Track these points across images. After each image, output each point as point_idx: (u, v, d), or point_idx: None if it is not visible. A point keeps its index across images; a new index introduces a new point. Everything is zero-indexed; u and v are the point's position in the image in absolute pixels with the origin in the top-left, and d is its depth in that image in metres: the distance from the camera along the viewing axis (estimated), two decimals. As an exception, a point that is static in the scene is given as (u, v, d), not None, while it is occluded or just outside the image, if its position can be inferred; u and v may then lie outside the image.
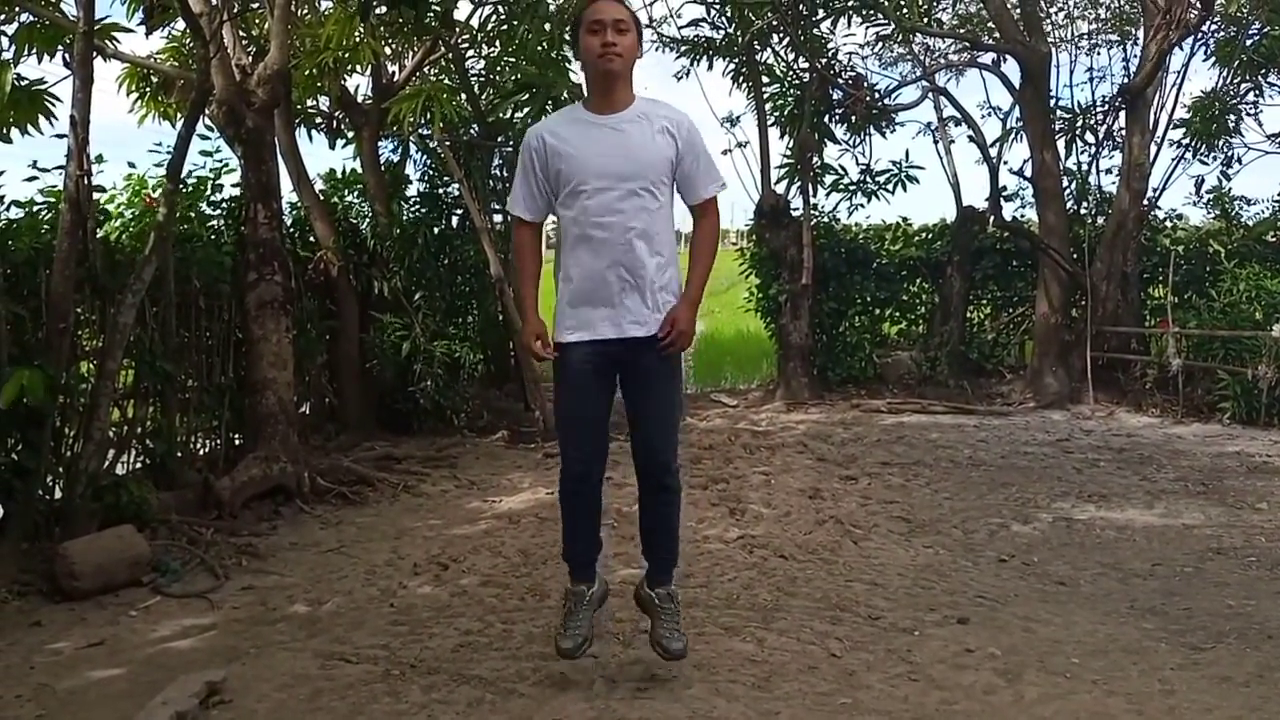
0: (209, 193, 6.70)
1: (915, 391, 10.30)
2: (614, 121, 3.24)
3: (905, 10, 10.83)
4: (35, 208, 5.47)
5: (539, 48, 7.49)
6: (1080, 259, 10.17)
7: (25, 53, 5.64)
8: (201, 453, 6.47)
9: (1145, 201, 10.29)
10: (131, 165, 6.40)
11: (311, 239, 7.87)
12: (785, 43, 10.45)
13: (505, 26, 8.22)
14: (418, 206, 9.19)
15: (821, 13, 10.14)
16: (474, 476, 6.84)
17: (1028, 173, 10.61)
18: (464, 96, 8.41)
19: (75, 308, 5.15)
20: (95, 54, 5.36)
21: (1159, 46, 9.60)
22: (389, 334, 7.93)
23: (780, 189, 10.59)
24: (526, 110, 7.83)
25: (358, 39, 7.32)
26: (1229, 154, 10.89)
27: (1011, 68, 10.56)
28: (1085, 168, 11.05)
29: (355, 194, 8.78)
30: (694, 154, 3.29)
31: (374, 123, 8.36)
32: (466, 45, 8.73)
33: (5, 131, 5.50)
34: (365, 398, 8.13)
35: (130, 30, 6.18)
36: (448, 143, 8.44)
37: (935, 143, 12.08)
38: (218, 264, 6.30)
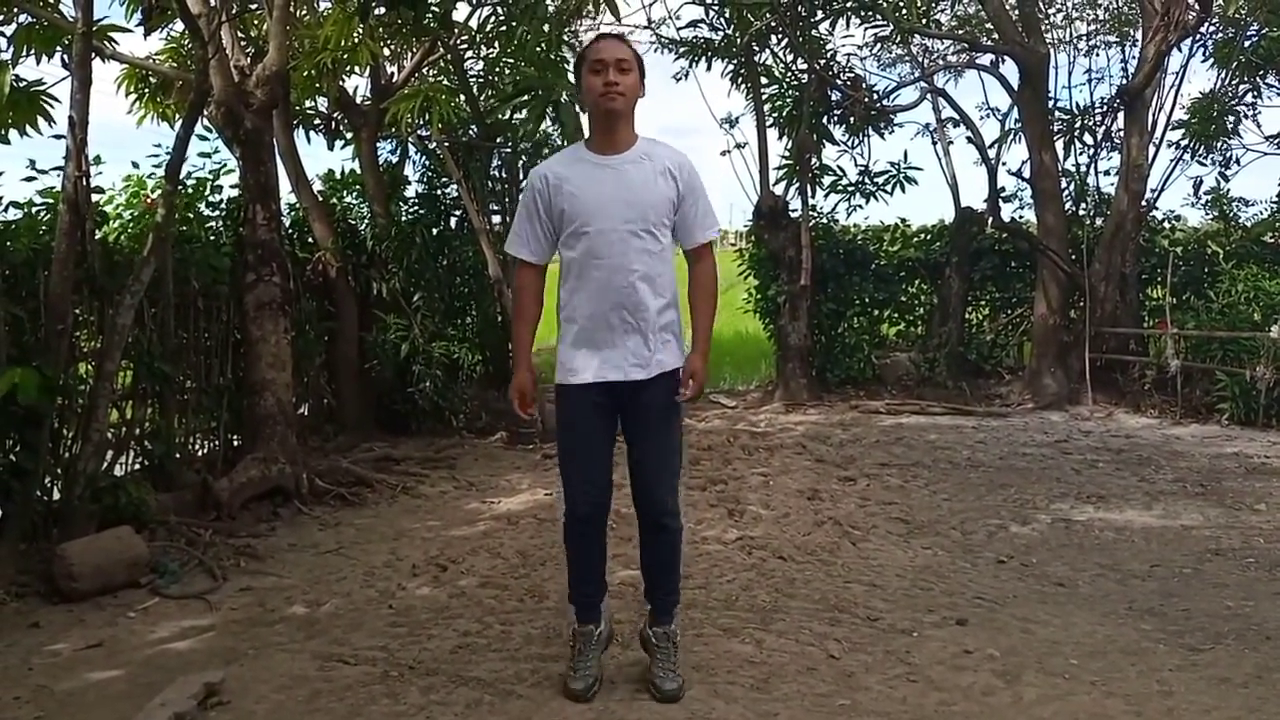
0: (207, 194, 6.69)
1: (914, 393, 10.30)
2: (616, 162, 3.24)
3: (904, 11, 10.84)
4: (34, 209, 5.46)
5: (538, 49, 7.49)
6: (1079, 260, 10.18)
7: (24, 53, 5.64)
8: (200, 454, 6.47)
9: (1144, 203, 10.31)
10: (135, 165, 6.40)
11: (310, 240, 7.87)
12: (784, 44, 10.45)
13: (504, 28, 8.23)
14: (416, 207, 9.19)
15: (820, 14, 10.14)
16: (472, 478, 6.84)
17: (1026, 174, 10.63)
18: (463, 97, 8.41)
19: (74, 309, 5.15)
20: (94, 55, 5.36)
21: (1157, 48, 9.61)
22: (388, 335, 7.93)
23: (779, 190, 10.60)
24: (526, 112, 7.83)
25: (356, 40, 7.32)
26: (1227, 155, 10.92)
27: (1010, 69, 10.58)
28: (1084, 169, 11.07)
29: (354, 195, 8.78)
30: (693, 197, 3.29)
31: (372, 124, 8.36)
32: (465, 46, 8.73)
33: (4, 132, 5.50)
34: (364, 399, 8.13)
35: (129, 31, 6.19)
36: (446, 144, 8.44)
37: (934, 144, 12.11)
38: (216, 265, 6.30)
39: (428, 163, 9.37)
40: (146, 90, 7.64)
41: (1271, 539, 5.22)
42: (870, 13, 10.22)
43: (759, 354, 12.43)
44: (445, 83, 8.58)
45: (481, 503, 6.15)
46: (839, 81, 10.41)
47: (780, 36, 10.31)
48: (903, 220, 11.65)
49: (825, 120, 10.52)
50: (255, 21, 7.55)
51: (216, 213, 6.78)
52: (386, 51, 8.61)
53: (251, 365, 6.20)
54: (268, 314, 6.19)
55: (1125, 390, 9.76)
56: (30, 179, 5.46)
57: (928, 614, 4.11)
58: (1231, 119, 10.60)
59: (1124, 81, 10.64)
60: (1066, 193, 10.62)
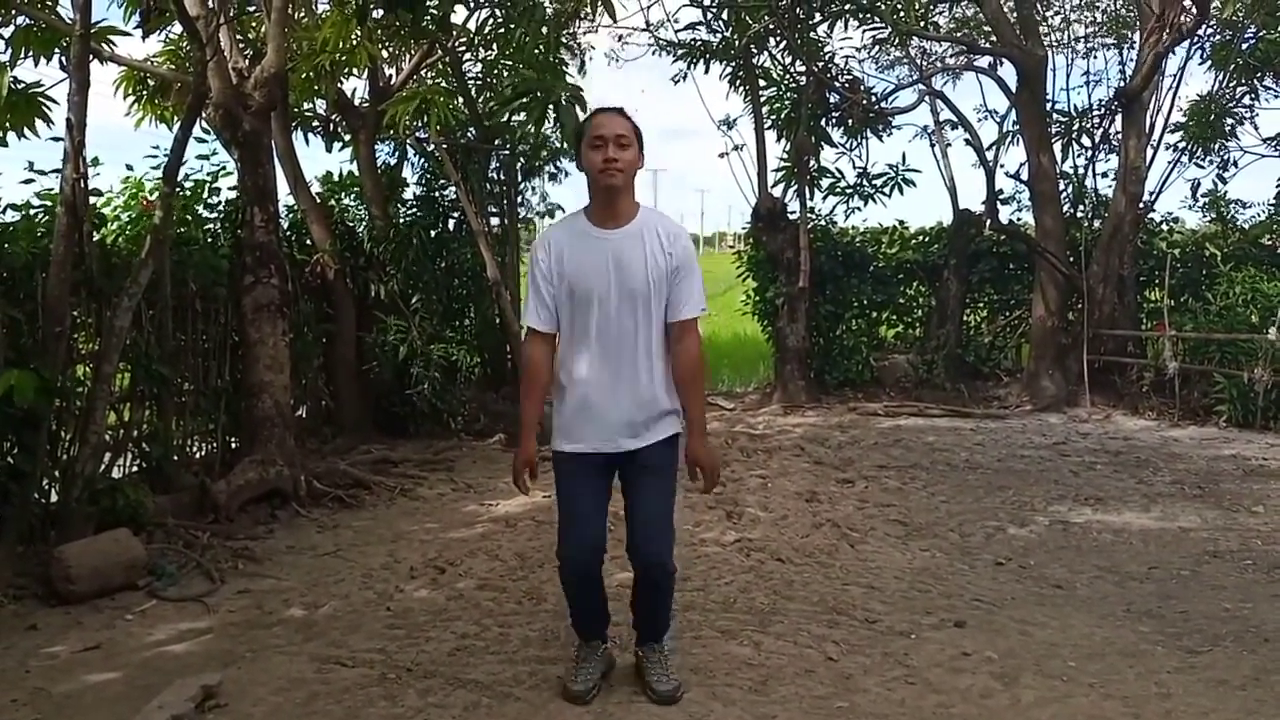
0: (206, 196, 6.69)
1: (912, 394, 10.31)
2: (614, 236, 3.27)
3: (902, 14, 10.86)
4: (32, 211, 5.46)
5: (536, 51, 7.49)
6: (1077, 262, 10.19)
7: (22, 55, 5.64)
8: (198, 456, 6.47)
9: (1141, 205, 10.32)
10: (129, 168, 6.40)
11: (308, 242, 7.87)
12: (782, 46, 10.46)
13: (502, 30, 8.22)
14: (414, 209, 9.18)
15: (818, 16, 10.15)
16: (471, 480, 6.83)
17: (1024, 176, 10.65)
18: (461, 100, 8.41)
19: (71, 311, 5.15)
20: (92, 57, 5.36)
21: (1155, 50, 9.63)
22: (386, 337, 7.92)
23: (777, 192, 10.60)
24: (526, 115, 7.83)
25: (354, 42, 7.32)
26: (1225, 157, 10.94)
27: (1008, 71, 10.60)
28: (1082, 171, 11.09)
29: (352, 197, 8.78)
30: (685, 272, 3.31)
31: (371, 126, 8.36)
32: (463, 49, 8.73)
33: (2, 135, 5.50)
34: (362, 401, 8.12)
35: (127, 33, 6.19)
36: (444, 146, 8.44)
37: (932, 146, 12.12)
38: (214, 267, 6.30)
39: (426, 165, 9.36)
40: (145, 92, 7.62)
41: (1269, 541, 5.23)
42: (868, 15, 10.24)
43: (757, 356, 12.44)
44: (443, 85, 8.57)
45: (480, 505, 6.15)
46: (837, 84, 10.43)
47: (778, 39, 10.32)
48: (901, 222, 11.68)
49: (823, 122, 10.53)
50: (253, 24, 7.54)
51: (214, 215, 6.78)
52: (385, 54, 8.61)
53: (249, 367, 6.20)
54: (266, 316, 6.19)
55: (1123, 392, 9.76)
56: (28, 181, 5.47)
57: (926, 616, 4.11)
58: (1229, 121, 10.62)
59: (1122, 84, 10.66)
60: (1064, 195, 10.63)
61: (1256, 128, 10.85)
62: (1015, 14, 10.41)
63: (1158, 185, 10.84)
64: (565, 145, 9.34)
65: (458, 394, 8.36)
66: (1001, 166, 11.33)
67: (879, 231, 11.56)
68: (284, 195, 7.18)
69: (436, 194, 9.26)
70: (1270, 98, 10.64)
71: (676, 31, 10.79)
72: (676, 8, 16.79)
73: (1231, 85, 10.60)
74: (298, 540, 5.43)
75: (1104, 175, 11.03)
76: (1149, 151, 10.35)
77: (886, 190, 10.77)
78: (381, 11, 6.52)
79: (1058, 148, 10.68)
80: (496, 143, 9.06)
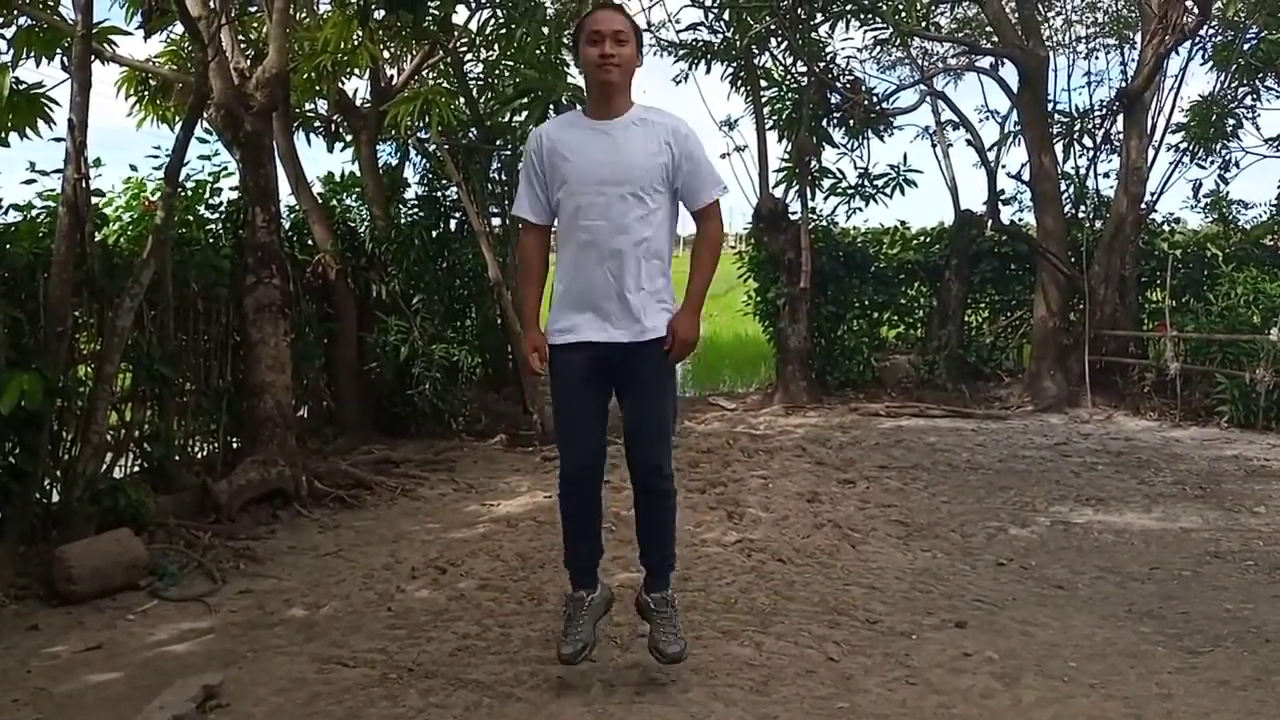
0: (207, 196, 6.69)
1: (913, 395, 10.30)
2: (609, 127, 3.27)
3: (903, 14, 10.85)
4: (34, 211, 5.46)
5: (537, 51, 7.50)
6: (1078, 262, 10.19)
7: (24, 56, 5.64)
8: (199, 456, 6.47)
9: (1143, 205, 10.31)
10: (133, 168, 6.40)
11: (310, 242, 7.87)
12: (783, 47, 10.45)
13: (504, 30, 8.24)
14: (416, 210, 9.19)
15: (819, 16, 10.14)
16: (472, 480, 6.83)
17: (1025, 176, 10.64)
18: (462, 100, 8.41)
19: (73, 311, 5.15)
20: (93, 57, 5.37)
21: (1156, 51, 9.62)
22: (387, 337, 7.93)
23: (778, 192, 10.60)
24: (526, 114, 7.83)
25: (356, 43, 7.33)
26: (1226, 158, 10.92)
27: (1009, 72, 10.58)
28: (1083, 171, 11.08)
29: (353, 197, 8.78)
30: (692, 160, 3.30)
31: (372, 126, 8.36)
32: (465, 49, 8.73)
33: (4, 135, 5.50)
34: (363, 401, 8.12)
35: (128, 33, 6.20)
36: (446, 146, 8.44)
37: (933, 146, 12.12)
38: (216, 267, 6.30)
39: (427, 165, 9.37)
40: (146, 93, 7.64)
41: (1271, 542, 5.22)
42: (870, 15, 10.23)
43: (758, 356, 12.44)
44: (445, 85, 8.58)
45: (481, 505, 6.15)
46: (838, 84, 10.42)
47: (780, 39, 10.31)
48: (902, 223, 11.66)
49: (825, 123, 10.52)
50: (255, 24, 7.55)
51: (216, 215, 6.78)
52: (386, 54, 8.62)
53: (251, 367, 6.20)
54: (267, 316, 6.19)
55: (1125, 393, 9.75)
56: (30, 181, 5.47)
57: (927, 616, 4.11)
58: (1231, 122, 10.60)
59: (1123, 84, 10.65)
60: (1066, 195, 10.62)
61: (1258, 128, 10.84)
62: (1017, 14, 10.40)
63: (1159, 186, 10.84)
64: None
65: (459, 394, 8.37)
66: (1003, 167, 11.35)
67: (880, 232, 11.55)
68: (286, 195, 7.19)
69: (438, 194, 9.26)
70: (1272, 98, 10.64)
71: (678, 32, 10.80)
72: (678, 8, 16.71)
73: (1233, 86, 10.58)
74: (299, 540, 5.43)
75: (1105, 176, 11.03)
76: (1150, 152, 10.34)
77: (888, 191, 10.77)
78: (383, 12, 6.54)
79: (1059, 148, 10.68)
80: (498, 143, 9.06)
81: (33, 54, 5.67)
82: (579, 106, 3.45)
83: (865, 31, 10.74)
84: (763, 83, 10.59)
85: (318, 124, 8.98)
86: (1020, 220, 11.43)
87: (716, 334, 15.02)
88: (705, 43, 10.54)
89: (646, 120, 3.30)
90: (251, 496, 5.79)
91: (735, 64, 10.49)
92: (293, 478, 5.99)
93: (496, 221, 9.28)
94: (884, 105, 10.84)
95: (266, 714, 3.27)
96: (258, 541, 5.33)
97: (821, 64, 10.36)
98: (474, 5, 8.10)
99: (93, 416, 5.03)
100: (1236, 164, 10.95)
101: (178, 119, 6.98)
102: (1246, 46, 10.23)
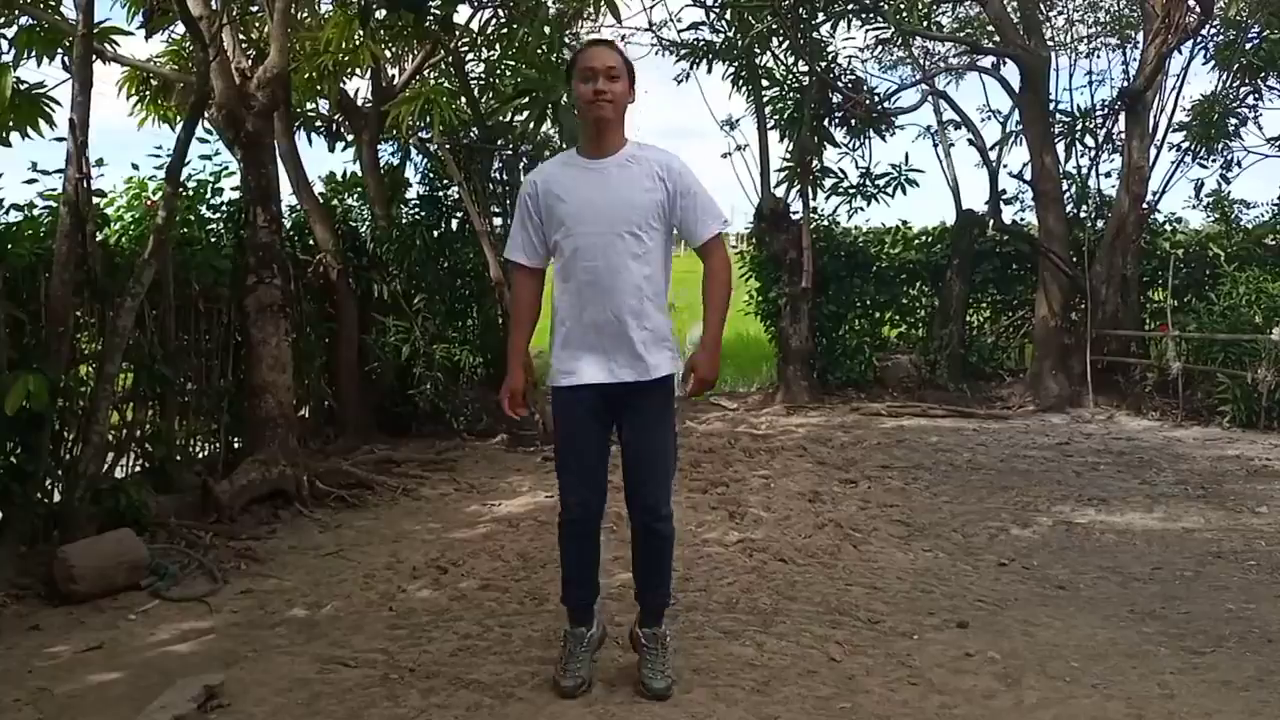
0: (208, 196, 6.69)
1: (915, 395, 10.28)
2: (603, 165, 3.28)
3: (905, 14, 10.84)
4: (35, 211, 5.46)
5: (538, 51, 7.50)
6: (1080, 262, 10.17)
7: (25, 56, 5.64)
8: (200, 456, 6.46)
9: (1145, 205, 10.29)
10: (135, 168, 6.39)
11: (311, 242, 7.86)
12: (785, 46, 10.44)
13: (505, 30, 8.23)
14: (417, 210, 9.18)
15: (821, 16, 10.14)
16: (473, 480, 6.83)
17: (1027, 176, 10.62)
18: (464, 100, 8.41)
19: (74, 311, 5.15)
20: (94, 57, 5.36)
21: (1158, 50, 9.61)
22: (388, 337, 7.93)
23: (780, 192, 10.58)
24: (526, 114, 7.82)
25: (357, 42, 7.32)
26: (1228, 157, 10.88)
27: (1011, 71, 10.56)
28: (1085, 171, 11.05)
29: (355, 197, 8.77)
30: (689, 196, 3.30)
31: (373, 126, 8.35)
32: (466, 49, 8.73)
33: (5, 135, 5.50)
34: (364, 401, 8.12)
35: (130, 33, 6.19)
36: (447, 146, 8.44)
37: (935, 146, 12.09)
38: (217, 267, 6.29)
39: (429, 165, 9.36)
40: (148, 92, 7.63)
41: (1273, 542, 5.22)
42: (871, 15, 10.22)
43: (760, 356, 12.42)
44: (446, 85, 8.57)
45: (482, 505, 6.15)
46: (840, 84, 10.41)
47: (781, 39, 10.30)
48: (904, 222, 11.64)
49: (826, 122, 10.50)
50: (256, 24, 7.54)
51: (217, 215, 6.78)
52: (387, 54, 8.60)
53: (252, 368, 6.20)
54: (268, 316, 6.19)
55: (1126, 392, 9.74)
56: (31, 181, 5.46)
57: (929, 617, 4.10)
58: (1233, 121, 10.57)
59: (1125, 84, 10.63)
60: (1068, 195, 10.60)
61: (1260, 128, 10.83)
62: (1018, 14, 10.39)
63: (1161, 185, 10.82)
64: (566, 146, 9.33)
65: (460, 394, 8.36)
66: (1004, 166, 11.31)
67: (882, 232, 11.53)
68: (287, 195, 7.17)
69: (439, 194, 9.25)
70: (1274, 98, 10.61)
71: (679, 31, 10.80)
72: (679, 8, 16.81)
73: (1235, 85, 10.56)
74: (300, 540, 5.43)
75: (1107, 175, 11.00)
76: (1152, 151, 10.32)
77: (889, 190, 10.74)
78: (384, 12, 6.54)
79: (1061, 148, 10.65)
80: (499, 143, 9.05)
81: (34, 54, 5.67)
82: (573, 146, 3.43)
83: (867, 31, 10.74)
84: (764, 82, 10.57)
85: (319, 124, 8.98)
86: (1022, 220, 11.43)
87: (717, 333, 14.98)
88: (707, 42, 10.54)
89: (639, 157, 3.30)
90: (253, 496, 5.79)
91: (737, 63, 10.47)
92: (294, 478, 5.99)
93: (498, 221, 9.27)
94: (885, 105, 10.81)
95: (268, 714, 3.27)
96: (259, 541, 5.33)
97: (823, 63, 10.34)
98: (475, 5, 8.10)
99: (94, 416, 5.02)
100: (1238, 163, 10.93)
101: (179, 119, 6.97)
102: (1249, 46, 10.21)
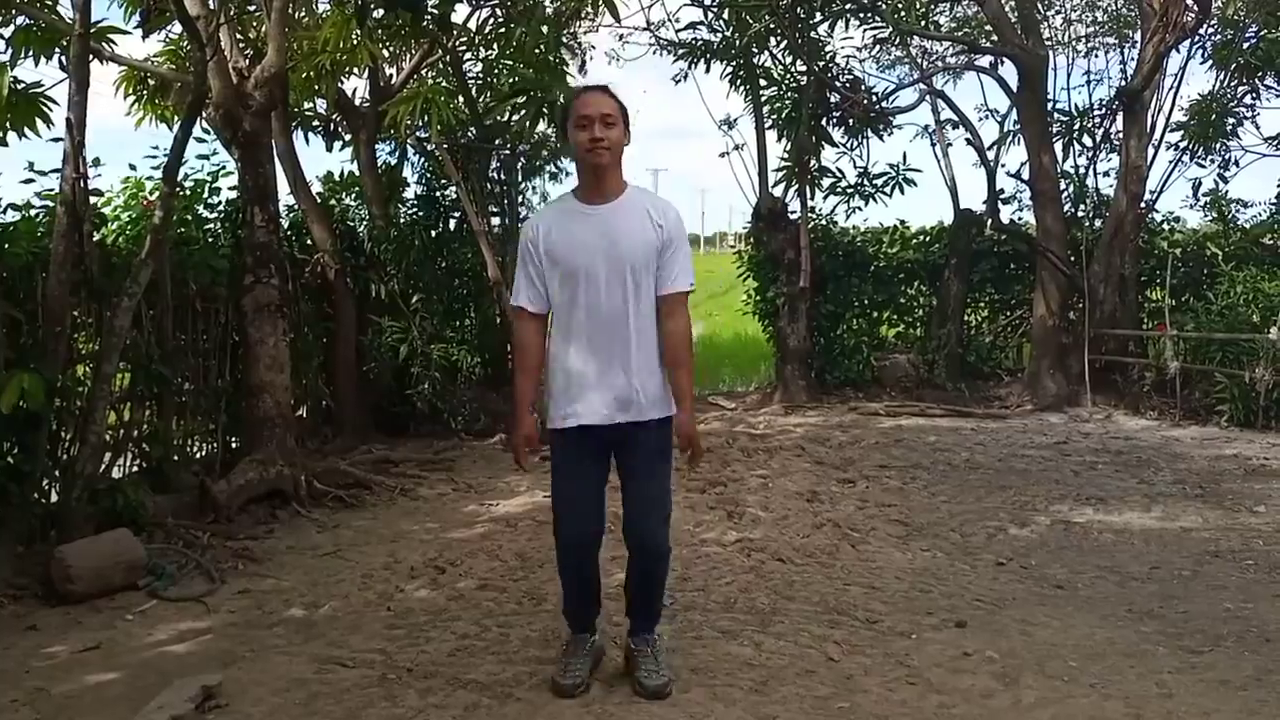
0: (206, 196, 6.69)
1: (913, 394, 10.28)
2: (603, 211, 3.28)
3: (903, 13, 10.84)
4: (32, 211, 5.46)
5: (536, 51, 7.49)
6: (1078, 262, 10.18)
7: (22, 55, 5.64)
8: (198, 456, 6.46)
9: (1143, 204, 10.29)
10: (132, 168, 6.40)
11: (309, 242, 7.86)
12: (783, 46, 10.44)
13: (503, 29, 8.23)
14: (415, 209, 9.18)
15: (819, 16, 10.14)
16: (471, 480, 6.83)
17: (1025, 176, 10.62)
18: (461, 99, 8.40)
19: (71, 311, 5.15)
20: (92, 56, 5.36)
21: (1156, 50, 9.61)
22: (386, 337, 7.92)
23: (778, 192, 10.58)
24: (523, 113, 7.82)
25: (355, 42, 7.32)
26: (1226, 157, 10.90)
27: (1009, 71, 10.57)
28: (1083, 171, 11.06)
29: (352, 197, 8.77)
30: (673, 247, 3.31)
31: (371, 125, 8.35)
32: (464, 48, 8.72)
33: (2, 135, 5.49)
34: (362, 401, 8.12)
35: (127, 33, 6.21)
36: (445, 146, 8.43)
37: (933, 146, 12.08)
38: (214, 267, 6.29)
39: (426, 164, 9.36)
40: (145, 92, 7.61)
41: (1271, 541, 5.22)
42: (869, 15, 10.22)
43: (758, 356, 12.43)
44: (444, 84, 8.57)
45: (480, 505, 6.14)
46: (838, 83, 10.41)
47: (779, 38, 10.31)
48: (902, 222, 11.64)
49: (824, 122, 10.50)
50: (254, 23, 7.53)
51: (215, 215, 6.78)
52: (385, 53, 8.60)
53: (250, 367, 6.20)
54: (266, 316, 6.19)
55: (1124, 392, 9.75)
56: (29, 181, 5.46)
57: (927, 616, 4.10)
58: (1230, 121, 10.59)
59: (1123, 83, 10.65)
60: (1065, 194, 10.61)
61: (1258, 127, 10.81)
62: (1016, 13, 10.40)
63: (1159, 185, 10.83)
64: (564, 145, 9.33)
65: (458, 394, 8.36)
66: (1002, 166, 11.32)
67: (880, 231, 11.53)
68: (284, 195, 7.19)
69: (437, 194, 9.25)
70: (1271, 97, 10.62)
71: (677, 31, 10.80)
72: (677, 7, 16.79)
73: (1233, 84, 10.57)
74: (298, 540, 5.42)
75: (1105, 175, 11.01)
76: (1150, 151, 10.33)
77: (887, 190, 10.74)
78: (382, 11, 6.52)
79: (1059, 147, 10.66)
80: (497, 142, 9.05)
81: (31, 53, 5.67)
82: (572, 190, 3.43)
83: (865, 30, 10.75)
84: (762, 82, 10.57)
85: (316, 123, 8.97)
86: (1020, 219, 11.43)
87: (716, 333, 15.05)
88: (704, 42, 10.54)
89: (637, 202, 3.32)
90: (250, 496, 5.78)
91: (735, 63, 10.48)
92: (291, 477, 5.98)
93: (496, 221, 9.28)
94: (883, 104, 10.82)
95: (265, 714, 3.26)
96: (256, 541, 5.32)
97: (821, 63, 10.35)
98: (473, 4, 8.09)
99: (91, 416, 5.02)
100: (1236, 163, 10.94)
101: (176, 118, 6.96)
102: (1246, 45, 10.23)
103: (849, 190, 10.78)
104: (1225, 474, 6.79)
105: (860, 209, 10.88)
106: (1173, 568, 4.79)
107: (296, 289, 7.27)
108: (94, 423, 5.02)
